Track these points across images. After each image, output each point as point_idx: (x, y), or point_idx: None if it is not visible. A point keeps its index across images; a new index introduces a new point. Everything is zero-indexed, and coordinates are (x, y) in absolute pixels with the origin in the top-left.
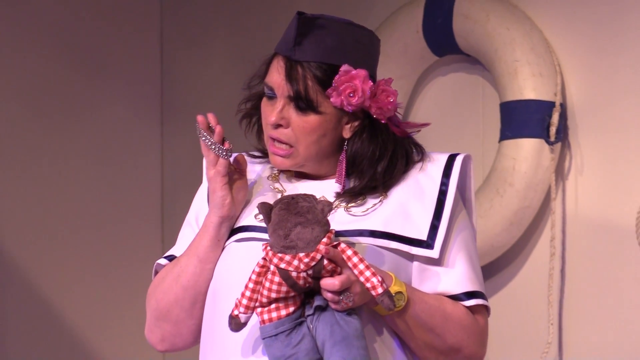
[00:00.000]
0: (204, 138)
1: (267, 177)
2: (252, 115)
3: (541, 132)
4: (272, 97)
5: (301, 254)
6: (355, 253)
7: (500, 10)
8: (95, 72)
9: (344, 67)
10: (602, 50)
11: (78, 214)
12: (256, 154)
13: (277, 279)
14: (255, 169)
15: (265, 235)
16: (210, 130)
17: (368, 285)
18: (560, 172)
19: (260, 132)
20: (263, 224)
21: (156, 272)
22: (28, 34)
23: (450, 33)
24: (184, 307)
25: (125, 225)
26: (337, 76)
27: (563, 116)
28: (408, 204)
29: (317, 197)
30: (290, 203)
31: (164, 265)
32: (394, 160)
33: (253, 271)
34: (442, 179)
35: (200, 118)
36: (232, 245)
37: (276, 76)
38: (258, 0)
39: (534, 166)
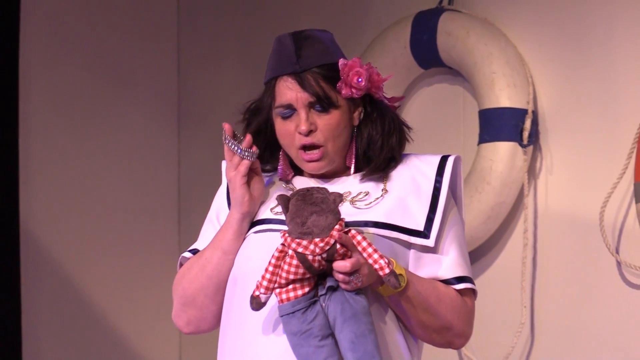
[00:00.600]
0: (229, 143)
1: (280, 178)
2: (269, 141)
3: (515, 136)
4: (289, 115)
5: (317, 239)
6: (364, 238)
7: (479, 28)
8: (119, 84)
9: (342, 61)
10: (569, 63)
11: (104, 209)
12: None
13: (295, 262)
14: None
15: (280, 227)
16: (234, 136)
17: (376, 266)
18: (532, 172)
19: (270, 152)
20: (278, 217)
21: (181, 264)
22: (65, 52)
23: (435, 48)
24: (208, 294)
25: (145, 219)
26: (341, 70)
27: (534, 122)
28: (406, 199)
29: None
30: (306, 195)
31: (189, 258)
32: (402, 130)
33: (272, 256)
34: (436, 177)
35: (227, 126)
36: (251, 236)
37: (290, 93)
38: (265, 16)
39: (509, 166)
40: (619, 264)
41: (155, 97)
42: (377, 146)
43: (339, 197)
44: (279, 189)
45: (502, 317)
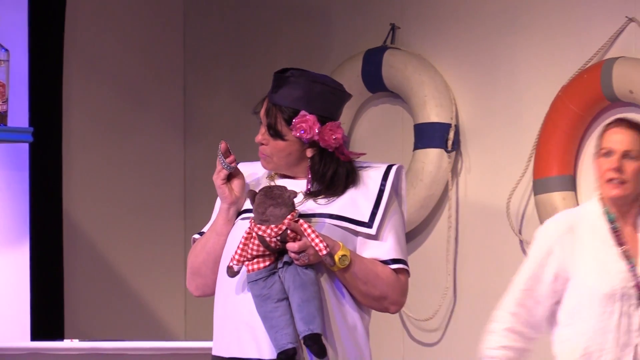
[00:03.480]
0: (219, 157)
1: (266, 177)
2: None
3: (442, 144)
4: (261, 123)
5: (272, 226)
6: (310, 226)
7: (414, 62)
8: (137, 105)
9: (302, 112)
10: (482, 87)
11: (126, 203)
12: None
13: (257, 242)
14: (259, 172)
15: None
16: (227, 151)
17: (317, 248)
18: (454, 171)
19: None
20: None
21: (193, 242)
22: (96, 78)
23: (380, 77)
24: (209, 266)
25: (157, 212)
26: (296, 118)
27: (456, 133)
28: (357, 198)
29: (289, 188)
30: (267, 191)
31: (197, 239)
32: (335, 176)
33: (242, 236)
34: (381, 181)
35: (222, 144)
36: (238, 222)
37: (262, 111)
38: (253, 50)
39: (437, 167)
40: (521, 242)
41: (166, 115)
42: (325, 180)
43: (294, 194)
44: (264, 182)
45: (431, 282)
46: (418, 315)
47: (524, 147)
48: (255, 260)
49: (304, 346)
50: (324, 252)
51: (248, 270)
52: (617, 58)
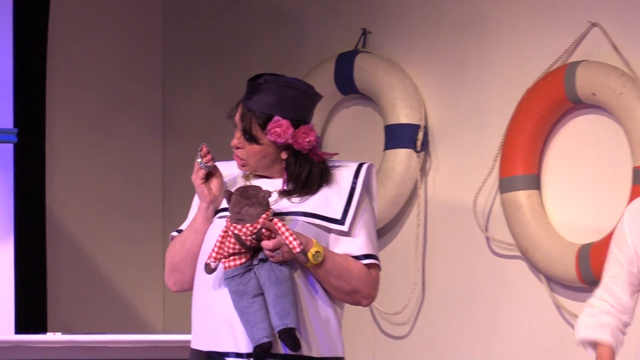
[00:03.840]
0: (198, 157)
1: (242, 176)
2: None
3: (411, 144)
4: (236, 127)
5: (247, 224)
6: (284, 225)
7: (384, 65)
8: (118, 105)
9: (275, 118)
10: (450, 91)
11: (107, 198)
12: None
13: (233, 240)
14: (234, 171)
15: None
16: (207, 152)
17: (290, 246)
18: (423, 171)
19: None
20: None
21: (171, 240)
22: (74, 80)
23: (352, 80)
24: (187, 263)
25: (137, 207)
26: (270, 123)
27: (425, 134)
28: (329, 196)
29: (264, 188)
30: (243, 191)
31: (175, 236)
32: (310, 176)
33: (219, 235)
34: (352, 179)
35: (204, 147)
36: (215, 220)
37: (237, 116)
38: (229, 55)
39: (406, 167)
40: (487, 238)
41: (145, 117)
42: (300, 180)
43: (268, 193)
44: (240, 185)
45: (401, 277)
46: (388, 309)
47: (490, 147)
48: (231, 257)
49: (279, 340)
50: (298, 249)
51: (225, 267)
52: (580, 62)
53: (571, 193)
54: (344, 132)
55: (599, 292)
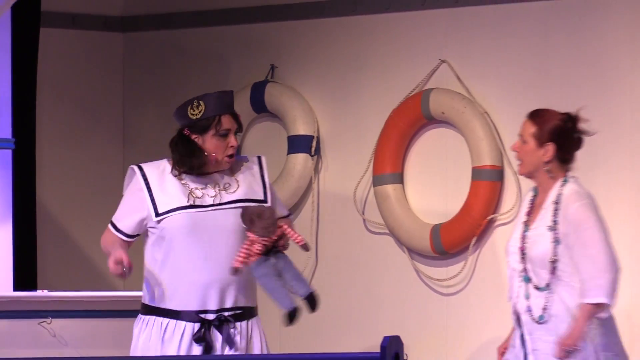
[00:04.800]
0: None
1: (169, 172)
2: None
3: (307, 150)
4: (226, 135)
5: (272, 236)
6: (287, 229)
7: (287, 92)
8: (88, 119)
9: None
10: (337, 109)
11: (80, 191)
12: (152, 163)
13: (259, 247)
14: (161, 167)
15: (191, 210)
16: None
17: (297, 240)
18: (316, 170)
19: (194, 157)
20: (189, 204)
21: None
22: (58, 99)
23: (263, 102)
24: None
25: (102, 199)
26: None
27: (318, 142)
28: (252, 184)
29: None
30: (259, 214)
31: (109, 229)
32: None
33: (245, 245)
34: (259, 169)
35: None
36: (177, 215)
37: (232, 123)
38: (176, 81)
39: (303, 167)
40: (364, 220)
41: (109, 128)
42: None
43: (274, 211)
44: (174, 183)
45: (299, 250)
46: None
47: (366, 152)
48: (255, 257)
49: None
50: (304, 241)
51: (248, 264)
52: (432, 89)
53: (426, 186)
54: (257, 141)
55: None
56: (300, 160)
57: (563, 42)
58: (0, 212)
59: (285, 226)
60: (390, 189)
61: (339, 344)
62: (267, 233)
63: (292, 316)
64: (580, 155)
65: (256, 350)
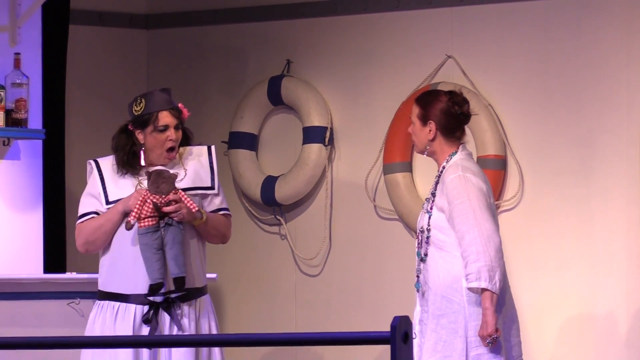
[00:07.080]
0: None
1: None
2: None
3: (322, 140)
4: (164, 130)
5: (164, 195)
6: (183, 195)
7: (302, 85)
8: (114, 112)
9: (180, 105)
10: (350, 101)
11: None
12: (107, 157)
13: (151, 206)
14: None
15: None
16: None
17: (191, 207)
18: (330, 159)
19: (122, 151)
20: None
21: (84, 218)
22: (85, 93)
23: (280, 95)
24: (102, 239)
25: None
26: (182, 108)
27: (331, 133)
28: (199, 172)
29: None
30: (160, 172)
31: (85, 219)
32: (188, 139)
33: (137, 201)
34: (208, 157)
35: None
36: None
37: (170, 118)
38: (200, 76)
39: (318, 156)
40: (375, 206)
41: None
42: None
43: (175, 175)
44: (129, 178)
45: (314, 233)
46: (305, 256)
47: (377, 142)
48: (146, 219)
49: (171, 281)
50: (196, 209)
51: (140, 226)
52: (439, 82)
53: (434, 174)
54: (274, 132)
55: None
56: (315, 150)
57: (563, 38)
58: (31, 198)
59: (182, 192)
60: (399, 177)
61: (350, 324)
62: (159, 191)
63: (153, 289)
64: (576, 147)
65: (204, 329)
